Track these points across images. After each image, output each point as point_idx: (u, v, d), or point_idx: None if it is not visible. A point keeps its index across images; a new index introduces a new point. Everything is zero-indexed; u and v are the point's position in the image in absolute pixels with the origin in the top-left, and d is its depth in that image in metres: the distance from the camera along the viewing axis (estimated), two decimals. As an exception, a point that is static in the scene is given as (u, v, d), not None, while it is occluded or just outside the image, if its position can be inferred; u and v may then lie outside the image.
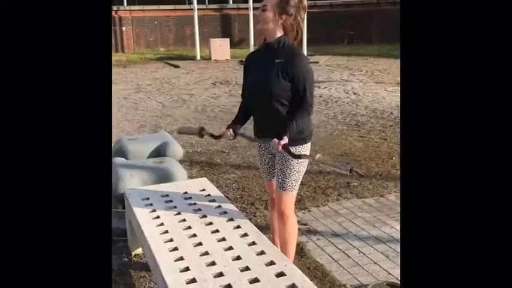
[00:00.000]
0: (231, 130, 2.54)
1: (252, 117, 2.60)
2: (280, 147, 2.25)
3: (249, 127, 2.60)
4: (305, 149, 2.48)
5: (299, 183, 2.53)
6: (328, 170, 4.53)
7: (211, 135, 2.69)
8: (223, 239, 2.30)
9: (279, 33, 2.40)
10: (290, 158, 2.42)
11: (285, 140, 2.26)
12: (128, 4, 17.89)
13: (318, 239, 3.26)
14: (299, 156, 2.36)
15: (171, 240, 2.31)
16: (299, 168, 2.47)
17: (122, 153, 3.84)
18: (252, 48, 13.60)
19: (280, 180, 2.49)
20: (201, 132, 2.66)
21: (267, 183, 2.73)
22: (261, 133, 2.55)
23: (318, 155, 2.25)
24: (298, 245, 3.09)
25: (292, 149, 2.38)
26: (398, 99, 7.23)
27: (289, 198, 2.51)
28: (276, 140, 2.26)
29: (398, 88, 8.56)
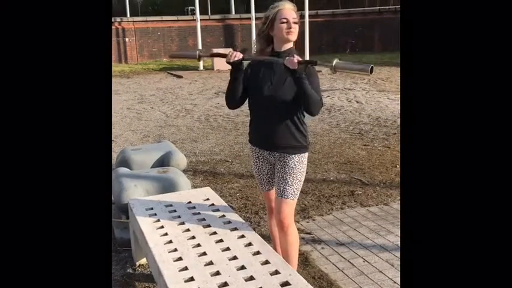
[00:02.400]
0: (239, 53, 2.43)
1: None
2: (296, 61, 2.23)
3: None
4: (304, 158, 2.50)
5: (299, 192, 2.53)
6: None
7: (215, 55, 2.60)
8: (228, 249, 2.30)
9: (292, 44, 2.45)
10: (292, 166, 2.44)
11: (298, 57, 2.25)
12: (131, 15, 18.03)
13: (322, 248, 3.25)
14: (315, 63, 2.28)
15: (175, 250, 2.30)
16: (300, 177, 2.49)
17: (126, 164, 3.85)
18: (254, 58, 13.55)
19: (282, 188, 2.48)
20: (200, 56, 2.63)
21: (265, 193, 2.71)
22: (262, 141, 2.55)
23: (335, 60, 2.19)
24: (302, 254, 3.08)
25: (293, 157, 2.42)
26: (402, 107, 7.21)
27: (290, 207, 2.51)
28: (291, 57, 2.24)
29: (401, 96, 8.53)
